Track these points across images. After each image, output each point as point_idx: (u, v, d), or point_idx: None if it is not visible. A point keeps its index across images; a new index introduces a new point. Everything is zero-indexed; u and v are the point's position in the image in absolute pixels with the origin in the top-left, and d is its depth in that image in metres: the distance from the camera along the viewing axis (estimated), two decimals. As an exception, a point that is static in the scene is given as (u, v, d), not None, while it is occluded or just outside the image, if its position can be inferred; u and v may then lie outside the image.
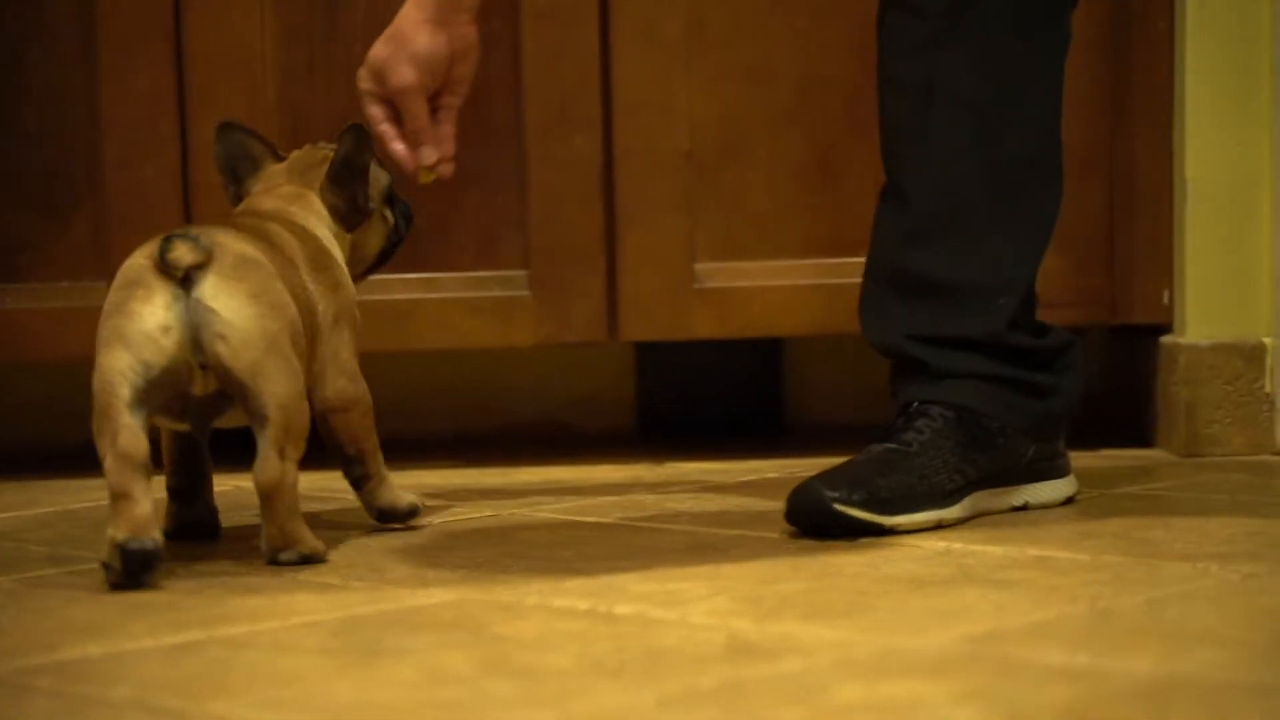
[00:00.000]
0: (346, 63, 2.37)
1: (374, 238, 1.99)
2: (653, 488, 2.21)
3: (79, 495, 2.26)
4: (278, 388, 1.73)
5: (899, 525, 1.84)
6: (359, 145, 1.94)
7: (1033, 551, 1.74)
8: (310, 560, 1.77)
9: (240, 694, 1.30)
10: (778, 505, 1.90)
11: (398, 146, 1.98)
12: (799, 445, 2.54)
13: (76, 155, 2.37)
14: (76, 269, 2.38)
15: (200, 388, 1.75)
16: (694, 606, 1.55)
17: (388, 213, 1.99)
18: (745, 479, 2.25)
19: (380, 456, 1.92)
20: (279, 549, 1.76)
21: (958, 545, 1.79)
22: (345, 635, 1.48)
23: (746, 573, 1.69)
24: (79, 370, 2.70)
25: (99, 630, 1.52)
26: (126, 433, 1.73)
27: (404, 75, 1.94)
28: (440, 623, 1.52)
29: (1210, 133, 2.33)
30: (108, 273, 2.37)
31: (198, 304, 1.72)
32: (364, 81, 2.00)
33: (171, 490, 1.96)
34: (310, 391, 1.81)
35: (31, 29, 2.36)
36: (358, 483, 1.93)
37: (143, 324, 1.72)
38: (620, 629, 1.48)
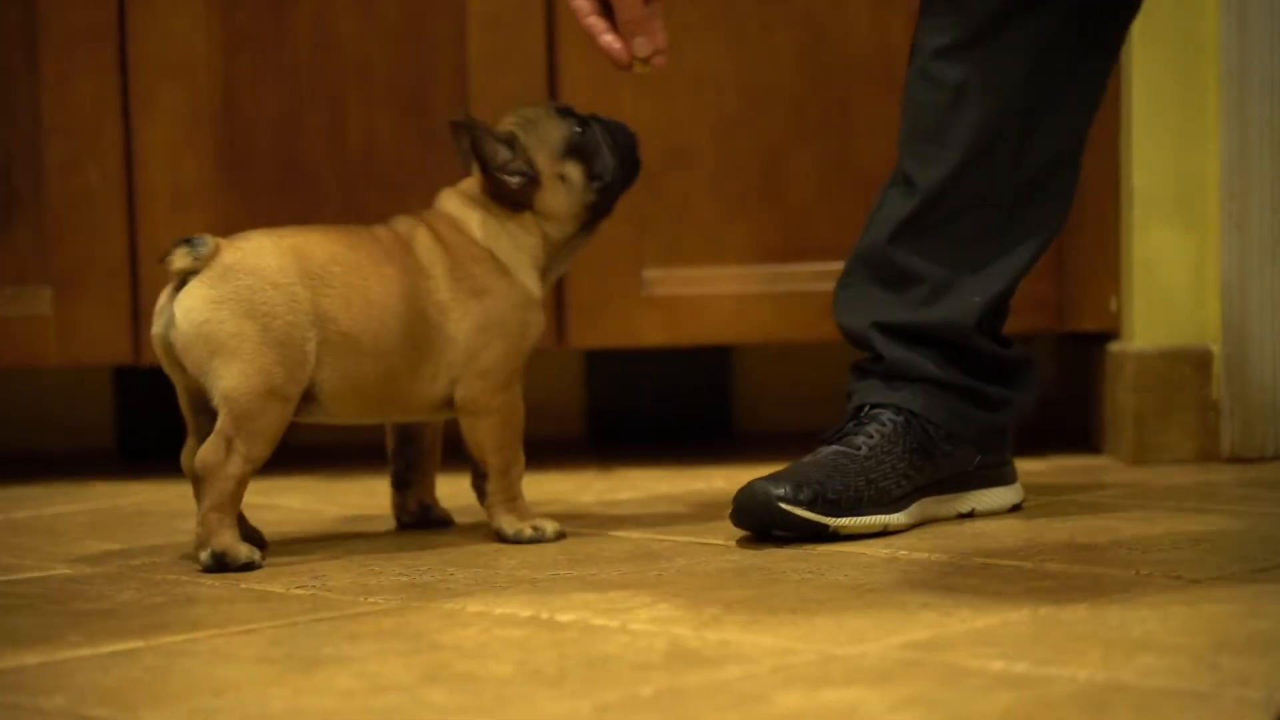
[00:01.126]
0: (291, 69, 2.37)
1: (557, 203, 1.91)
2: (600, 495, 2.20)
3: (22, 503, 2.24)
4: (226, 384, 1.79)
5: (844, 528, 1.83)
6: (463, 137, 1.90)
7: (977, 560, 1.74)
8: (224, 561, 1.77)
9: (175, 703, 1.29)
10: (723, 512, 1.90)
11: (608, 39, 1.88)
12: (748, 452, 2.54)
13: (18, 161, 2.36)
14: (19, 276, 2.36)
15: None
16: (636, 614, 1.54)
17: (567, 170, 1.91)
18: (693, 486, 2.24)
19: (512, 476, 1.90)
20: (200, 542, 1.79)
21: (902, 553, 1.78)
22: (284, 644, 1.47)
23: (690, 580, 1.68)
24: (20, 377, 2.69)
25: (36, 639, 1.51)
26: (189, 440, 1.84)
27: None
28: (381, 631, 1.51)
29: (1156, 140, 2.34)
30: (50, 279, 2.37)
31: (175, 308, 1.80)
32: None
33: (390, 478, 1.98)
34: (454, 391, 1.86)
35: (-26, 34, 2.35)
36: (479, 494, 1.91)
37: (153, 328, 1.83)
38: (561, 636, 1.47)
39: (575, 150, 1.92)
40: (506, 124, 1.93)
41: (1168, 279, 2.35)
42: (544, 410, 2.74)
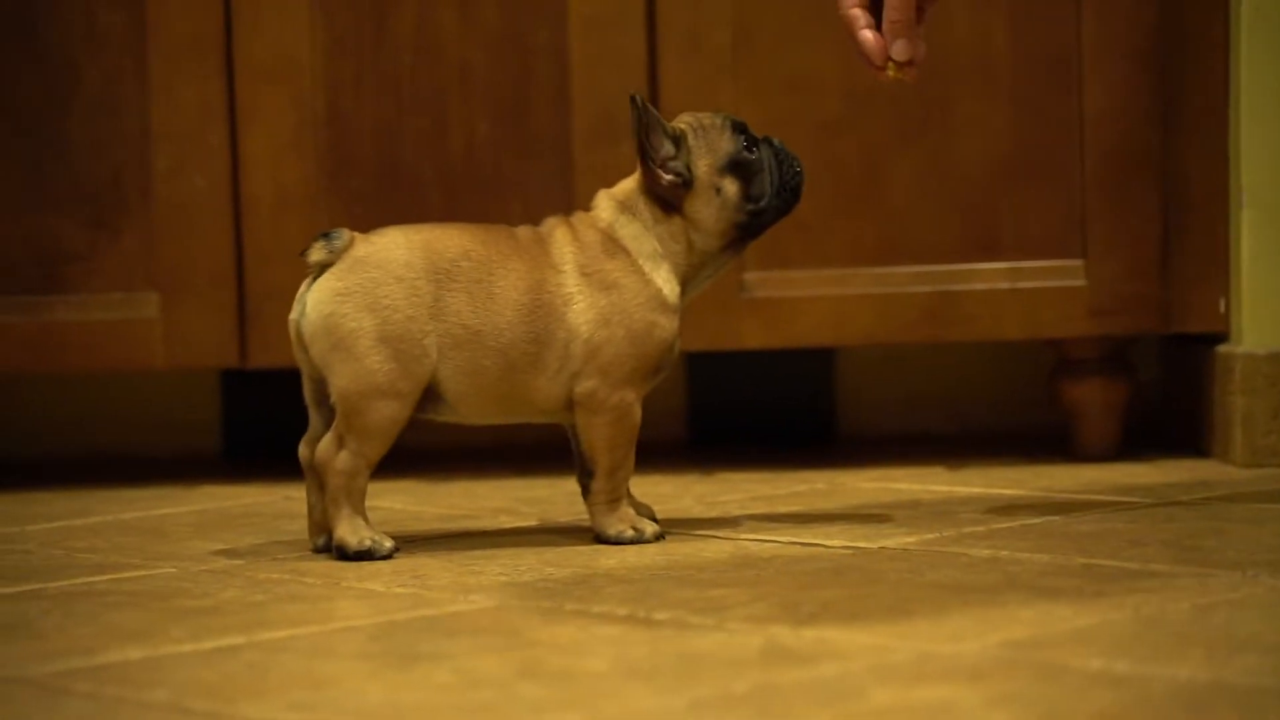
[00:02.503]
0: (394, 74, 2.39)
1: (706, 214, 1.89)
2: (700, 497, 2.20)
3: (131, 505, 2.27)
4: (340, 381, 1.83)
5: None
6: (635, 118, 1.89)
7: (1080, 560, 1.73)
8: (343, 551, 1.82)
9: (273, 696, 1.30)
10: (825, 514, 1.89)
11: (867, 35, 1.84)
12: (850, 456, 2.53)
13: (127, 167, 2.38)
14: (126, 280, 2.39)
15: None
16: (732, 613, 1.54)
17: (725, 184, 1.89)
18: (794, 489, 2.24)
19: (618, 478, 1.90)
20: (316, 529, 1.88)
21: (1004, 553, 1.77)
22: (382, 640, 1.48)
23: (787, 580, 1.68)
24: (128, 381, 2.73)
25: (140, 635, 1.52)
26: (308, 433, 1.88)
27: None
28: (478, 628, 1.52)
29: (1265, 140, 2.31)
30: (157, 284, 2.39)
31: (307, 298, 1.85)
32: None
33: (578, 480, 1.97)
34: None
35: (83, 42, 2.38)
36: (583, 490, 1.91)
37: (290, 314, 1.87)
38: (657, 634, 1.47)
39: (737, 167, 1.90)
40: (680, 122, 1.92)
41: (1277, 279, 2.32)
42: (645, 413, 2.74)
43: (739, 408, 2.73)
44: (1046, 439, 2.51)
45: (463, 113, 2.39)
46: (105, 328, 2.38)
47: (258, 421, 2.71)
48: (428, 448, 2.65)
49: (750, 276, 2.37)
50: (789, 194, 1.93)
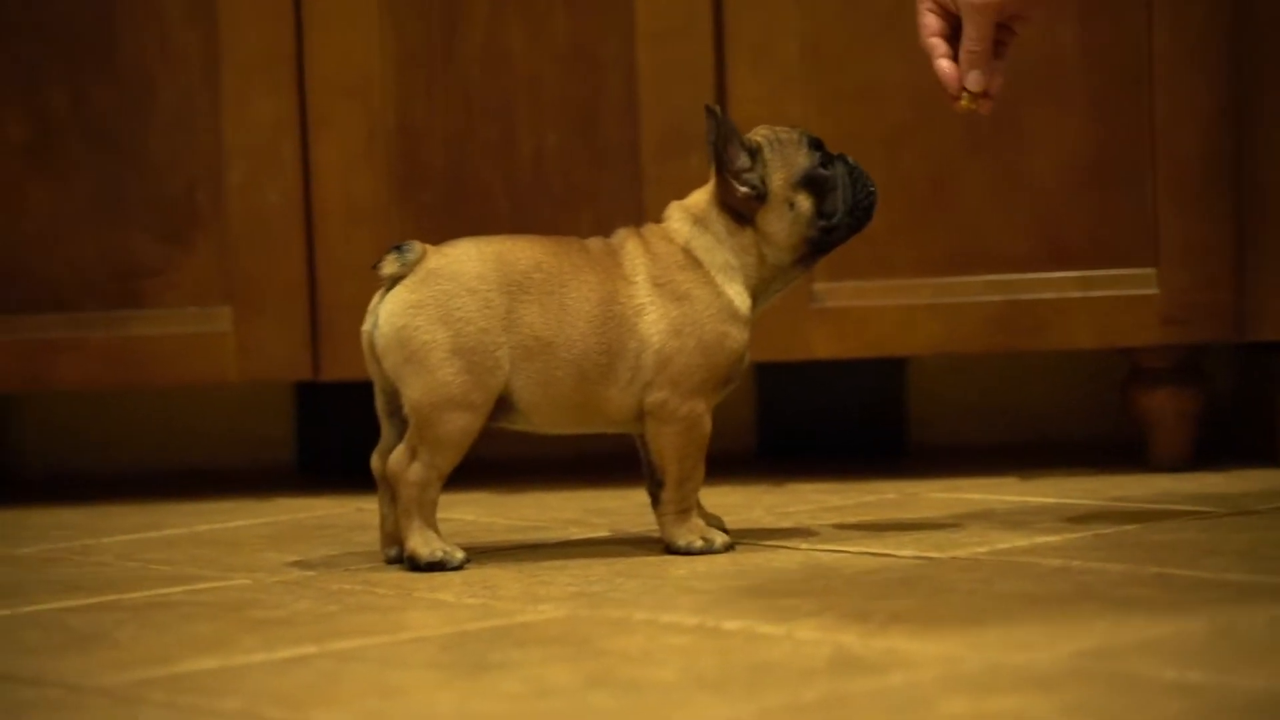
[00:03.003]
0: (464, 89, 2.40)
1: (778, 228, 1.90)
2: (771, 508, 2.20)
3: (206, 518, 2.29)
4: (413, 393, 1.84)
5: None
6: (712, 128, 1.89)
7: (1153, 569, 1.72)
8: (415, 562, 1.84)
9: (345, 705, 1.31)
10: (896, 524, 1.89)
11: (943, 64, 1.84)
12: (921, 467, 2.53)
13: (201, 182, 2.41)
14: (201, 294, 2.41)
15: None
16: (802, 622, 1.54)
17: (799, 199, 1.89)
18: (863, 499, 2.23)
19: (687, 489, 1.90)
20: (388, 540, 1.89)
21: (1076, 563, 1.76)
22: (453, 650, 1.49)
23: (857, 590, 1.68)
24: (204, 395, 2.75)
25: (214, 645, 1.54)
26: (380, 445, 1.89)
27: None
28: (547, 638, 1.52)
29: (1338, 146, 2.30)
30: (230, 298, 2.41)
31: (379, 310, 1.86)
32: None
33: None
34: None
35: (159, 59, 2.40)
36: (653, 500, 1.91)
37: (363, 325, 1.88)
38: (726, 644, 1.47)
39: (812, 182, 1.90)
40: (757, 135, 1.92)
41: (1351, 288, 2.31)
42: (715, 425, 2.74)
43: (809, 418, 2.73)
44: (1120, 449, 2.50)
45: (532, 124, 2.40)
46: (180, 342, 2.40)
47: (331, 434, 2.73)
48: (499, 459, 2.66)
49: (820, 286, 2.37)
50: (861, 212, 1.93)
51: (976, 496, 2.22)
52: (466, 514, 2.23)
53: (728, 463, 2.60)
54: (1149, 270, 2.34)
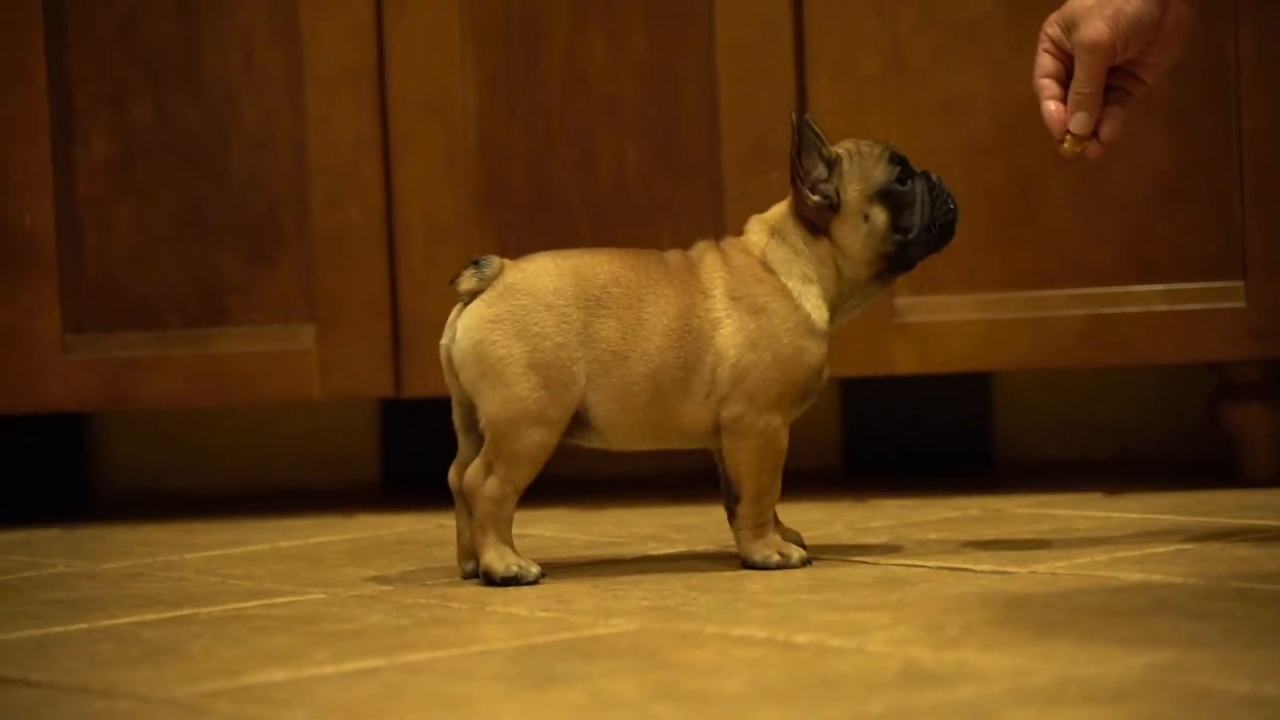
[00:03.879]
0: (545, 106, 2.40)
1: (852, 240, 1.88)
2: (851, 523, 2.18)
3: (288, 534, 2.30)
4: (489, 407, 1.84)
5: None
6: (794, 137, 1.88)
7: (1234, 584, 1.69)
8: (490, 577, 1.84)
9: (409, 715, 1.31)
10: (976, 540, 1.87)
11: (1049, 106, 1.81)
12: (1005, 482, 2.50)
13: (284, 200, 2.42)
14: (284, 312, 2.42)
15: None
16: (873, 635, 1.52)
17: (874, 212, 1.88)
18: (946, 515, 2.21)
19: (764, 504, 1.88)
20: (464, 555, 1.90)
21: (1156, 577, 1.74)
22: (521, 662, 1.49)
23: (932, 604, 1.66)
24: (289, 413, 2.77)
25: (284, 657, 1.54)
26: (457, 459, 1.90)
27: (1098, 30, 1.75)
28: (616, 650, 1.52)
29: None
30: (314, 316, 2.42)
31: (457, 324, 1.86)
32: (1050, 26, 1.82)
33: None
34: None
35: (242, 77, 2.42)
36: (730, 515, 1.90)
37: (442, 339, 1.89)
38: (795, 656, 1.46)
39: (888, 196, 1.89)
40: (840, 147, 1.91)
41: None
42: (799, 440, 2.73)
43: (894, 435, 2.71)
44: (1209, 465, 2.47)
45: (612, 142, 2.40)
46: (263, 359, 2.41)
47: (415, 451, 2.73)
48: (581, 477, 2.66)
49: (902, 301, 2.35)
50: (939, 230, 1.91)
51: (1060, 512, 2.20)
52: (546, 530, 2.23)
53: (811, 479, 2.59)
54: (1236, 283, 2.31)
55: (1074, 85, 1.81)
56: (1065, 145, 1.84)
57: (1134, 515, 2.15)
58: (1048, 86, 1.83)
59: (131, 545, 2.26)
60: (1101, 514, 2.18)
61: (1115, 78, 1.82)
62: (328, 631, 1.65)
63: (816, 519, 2.23)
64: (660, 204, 2.39)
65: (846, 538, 2.08)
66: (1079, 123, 1.82)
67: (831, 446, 2.73)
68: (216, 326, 2.43)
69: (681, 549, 2.05)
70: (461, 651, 1.54)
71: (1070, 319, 2.33)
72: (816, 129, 1.89)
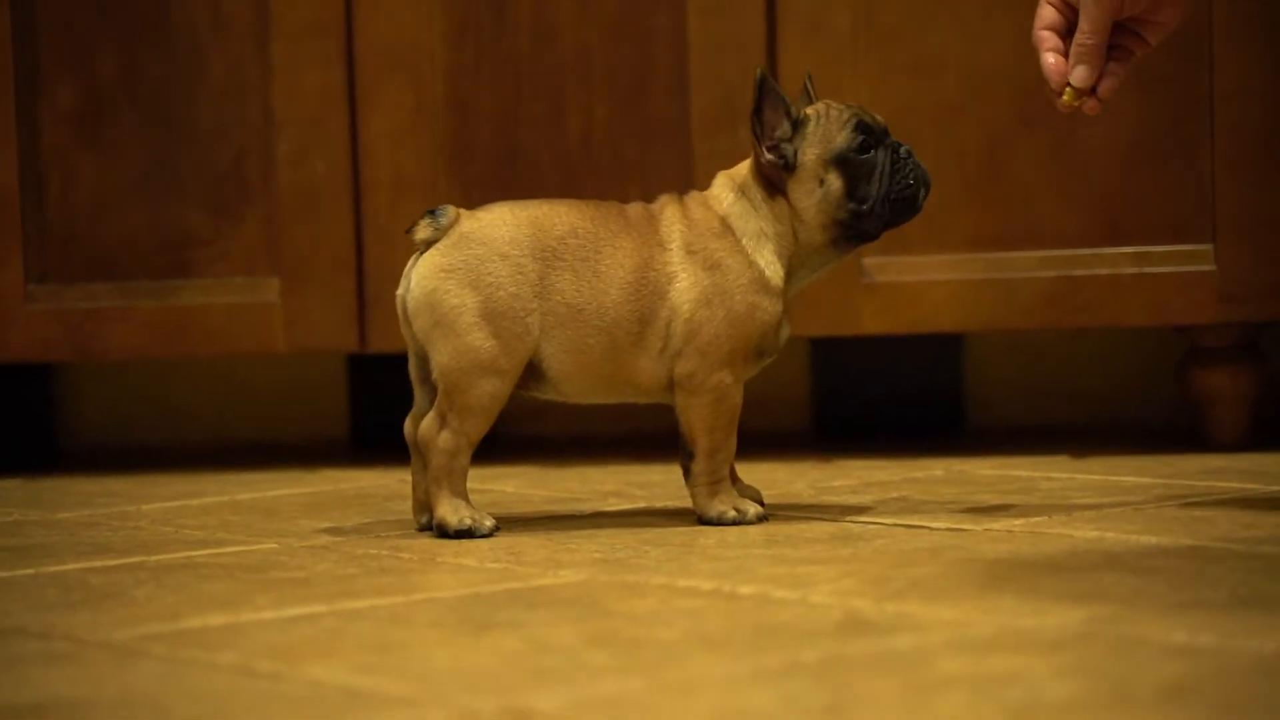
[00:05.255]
0: (513, 61, 2.39)
1: (807, 204, 1.85)
2: (814, 482, 2.17)
3: (249, 487, 2.29)
4: (441, 357, 1.83)
5: None
6: (756, 93, 1.85)
7: (1188, 541, 1.68)
8: (443, 530, 1.83)
9: (340, 659, 1.30)
10: (936, 499, 1.85)
11: (1050, 58, 1.76)
12: (975, 445, 2.49)
13: (250, 153, 2.41)
14: (249, 265, 2.41)
15: None
16: (818, 587, 1.51)
17: (829, 177, 1.85)
18: (910, 475, 2.20)
19: (718, 460, 1.86)
20: (419, 508, 1.88)
21: (1110, 535, 1.73)
22: (462, 610, 1.48)
23: (883, 558, 1.65)
24: (261, 368, 2.76)
25: (225, 603, 1.53)
26: (413, 411, 1.89)
27: None
28: (559, 600, 1.51)
29: None
30: (279, 269, 2.41)
31: (411, 274, 1.86)
32: None
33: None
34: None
35: (209, 28, 2.41)
36: (685, 472, 1.89)
37: (398, 289, 1.88)
38: (737, 606, 1.45)
39: (845, 163, 1.86)
40: (813, 108, 1.89)
41: None
42: (767, 403, 2.72)
43: (865, 398, 2.70)
44: (1180, 429, 2.46)
45: (581, 98, 2.38)
46: (227, 312, 2.40)
47: (383, 406, 2.72)
48: (548, 435, 2.65)
49: (870, 261, 2.34)
50: (895, 204, 1.87)
51: (1024, 474, 2.19)
52: (507, 486, 2.22)
53: (780, 440, 2.58)
54: (1206, 246, 2.30)
55: (1077, 37, 1.77)
56: (1063, 98, 1.81)
57: (1097, 477, 2.14)
58: (1048, 38, 1.79)
59: (91, 496, 2.25)
60: (1065, 475, 2.17)
61: (1118, 36, 1.79)
62: (273, 579, 1.64)
63: (780, 478, 2.22)
64: (628, 161, 2.38)
65: (808, 496, 2.07)
66: (1080, 76, 1.78)
67: (801, 408, 2.72)
68: (181, 279, 2.41)
69: (641, 505, 2.04)
70: (404, 599, 1.53)
71: (1038, 281, 2.32)
72: (773, 82, 1.87)
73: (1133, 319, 2.32)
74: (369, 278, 2.40)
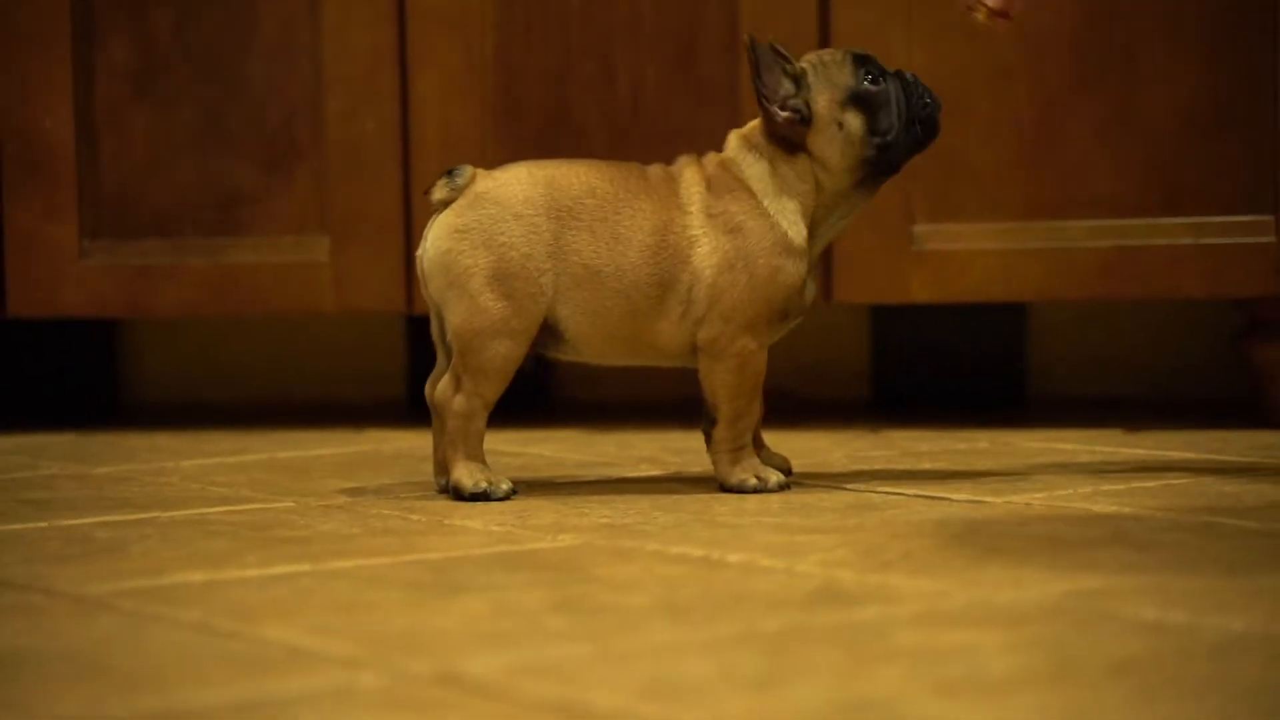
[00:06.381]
0: (563, 19, 2.37)
1: (830, 151, 1.83)
2: (852, 453, 2.14)
3: (292, 445, 2.29)
4: (455, 318, 1.82)
5: None
6: (750, 58, 1.83)
7: (1204, 518, 1.64)
8: (459, 492, 1.82)
9: (299, 619, 1.29)
10: (968, 471, 1.82)
11: None
12: (1030, 417, 2.45)
13: (300, 110, 2.41)
14: (298, 223, 2.41)
15: None
16: (807, 557, 1.49)
17: (847, 118, 1.82)
18: (953, 447, 2.17)
19: (740, 427, 1.84)
20: (438, 469, 1.86)
21: (1128, 510, 1.69)
22: (444, 572, 1.46)
23: (886, 529, 1.62)
24: (324, 327, 2.76)
25: (215, 560, 1.53)
26: (434, 372, 1.88)
27: None
28: (544, 564, 1.49)
29: None
30: (328, 227, 2.41)
31: (428, 234, 1.85)
32: None
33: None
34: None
35: (262, -13, 2.41)
36: (706, 437, 1.86)
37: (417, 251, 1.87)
38: (719, 575, 1.43)
39: (859, 100, 1.83)
40: (803, 61, 1.86)
41: None
42: (824, 371, 2.69)
43: (926, 367, 2.66)
44: (1240, 403, 2.40)
45: (631, 59, 2.36)
46: (277, 270, 2.41)
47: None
48: (601, 399, 2.64)
49: (920, 229, 2.30)
50: (921, 126, 1.85)
51: (1070, 446, 2.15)
52: (545, 449, 2.21)
53: (837, 409, 2.55)
54: (1266, 218, 2.24)
55: None
56: (978, 16, 1.79)
57: (1142, 451, 2.10)
58: None
59: (135, 451, 2.27)
60: (1109, 449, 2.12)
61: None
62: (273, 537, 1.64)
63: (819, 446, 2.19)
64: (678, 123, 2.36)
65: (840, 465, 2.04)
66: None
67: (861, 377, 2.69)
68: (231, 236, 2.42)
69: (671, 471, 2.03)
70: (391, 560, 1.52)
71: (1091, 250, 2.27)
72: (778, 47, 1.84)
73: (1189, 291, 2.27)
74: (417, 237, 2.37)
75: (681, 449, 2.19)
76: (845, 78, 1.83)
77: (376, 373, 2.76)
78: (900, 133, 1.84)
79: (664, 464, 2.08)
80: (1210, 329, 2.58)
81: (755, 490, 1.85)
